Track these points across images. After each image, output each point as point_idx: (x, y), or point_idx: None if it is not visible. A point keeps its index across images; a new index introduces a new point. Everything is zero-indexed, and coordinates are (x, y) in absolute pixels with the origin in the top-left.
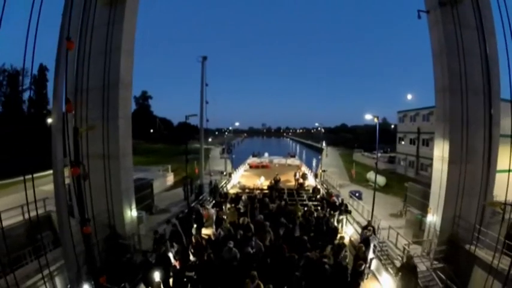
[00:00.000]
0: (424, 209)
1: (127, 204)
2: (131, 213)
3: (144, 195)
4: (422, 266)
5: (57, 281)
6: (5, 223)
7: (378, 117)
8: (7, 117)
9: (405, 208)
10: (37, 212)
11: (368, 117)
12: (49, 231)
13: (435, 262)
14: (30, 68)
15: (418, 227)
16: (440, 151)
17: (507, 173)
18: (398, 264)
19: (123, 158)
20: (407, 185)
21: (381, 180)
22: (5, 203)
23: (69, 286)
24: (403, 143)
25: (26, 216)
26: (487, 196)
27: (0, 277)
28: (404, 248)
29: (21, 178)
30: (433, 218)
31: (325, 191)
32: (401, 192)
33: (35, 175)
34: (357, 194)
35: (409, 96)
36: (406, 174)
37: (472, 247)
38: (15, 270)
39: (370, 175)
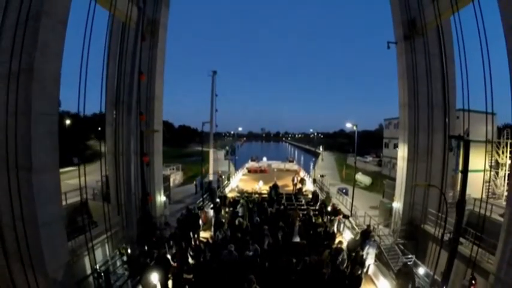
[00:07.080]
0: None
1: (158, 191)
2: (160, 198)
3: (164, 187)
4: (387, 242)
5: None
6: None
7: (356, 125)
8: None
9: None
10: None
11: (348, 125)
12: (86, 215)
13: (399, 239)
14: None
15: (388, 214)
16: (402, 152)
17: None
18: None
19: (156, 155)
20: (385, 182)
21: (367, 180)
22: None
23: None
24: (389, 147)
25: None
26: (443, 188)
27: (76, 237)
28: (373, 228)
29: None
30: (397, 205)
31: (325, 195)
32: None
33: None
34: (344, 191)
35: None
36: (390, 175)
37: (427, 226)
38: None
39: (358, 176)
